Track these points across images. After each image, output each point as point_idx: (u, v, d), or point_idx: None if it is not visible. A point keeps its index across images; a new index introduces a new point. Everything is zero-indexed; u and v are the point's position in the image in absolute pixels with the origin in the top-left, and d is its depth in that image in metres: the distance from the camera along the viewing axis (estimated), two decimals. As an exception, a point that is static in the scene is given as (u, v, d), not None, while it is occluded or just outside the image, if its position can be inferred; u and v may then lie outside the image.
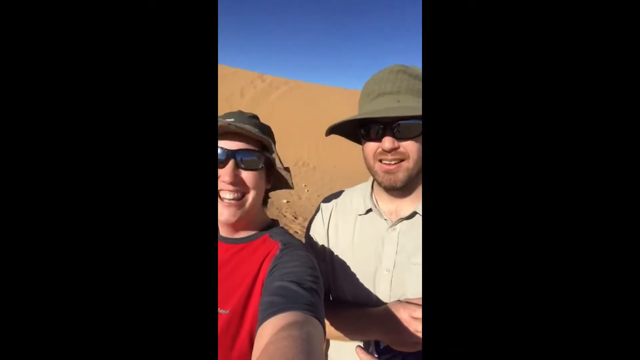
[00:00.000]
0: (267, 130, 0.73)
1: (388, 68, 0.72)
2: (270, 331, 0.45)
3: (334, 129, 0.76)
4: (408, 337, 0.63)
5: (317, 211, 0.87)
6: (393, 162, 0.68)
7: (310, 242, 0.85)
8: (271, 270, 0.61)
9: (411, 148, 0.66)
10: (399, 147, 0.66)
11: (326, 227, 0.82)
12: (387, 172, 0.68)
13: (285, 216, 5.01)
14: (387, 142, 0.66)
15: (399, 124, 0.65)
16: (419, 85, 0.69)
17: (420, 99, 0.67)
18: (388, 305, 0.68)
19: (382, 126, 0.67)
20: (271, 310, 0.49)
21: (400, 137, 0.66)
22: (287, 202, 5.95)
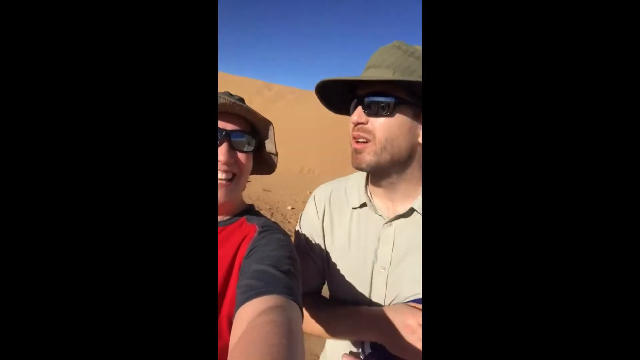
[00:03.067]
0: (254, 113, 0.74)
1: (389, 44, 0.67)
2: (250, 314, 0.45)
3: (324, 95, 0.69)
4: (400, 342, 0.61)
5: (310, 202, 0.82)
6: (360, 140, 0.65)
7: (304, 236, 0.80)
8: (249, 253, 0.61)
9: (378, 127, 0.62)
10: (366, 123, 0.63)
11: (321, 220, 0.78)
12: (355, 150, 0.66)
13: (289, 222, 5.12)
14: (355, 114, 0.64)
15: (371, 99, 0.62)
16: (412, 62, 0.62)
17: (409, 77, 0.61)
18: (384, 307, 0.67)
19: (356, 99, 0.65)
20: (250, 293, 0.49)
21: (369, 114, 0.63)
22: (292, 208, 6.06)
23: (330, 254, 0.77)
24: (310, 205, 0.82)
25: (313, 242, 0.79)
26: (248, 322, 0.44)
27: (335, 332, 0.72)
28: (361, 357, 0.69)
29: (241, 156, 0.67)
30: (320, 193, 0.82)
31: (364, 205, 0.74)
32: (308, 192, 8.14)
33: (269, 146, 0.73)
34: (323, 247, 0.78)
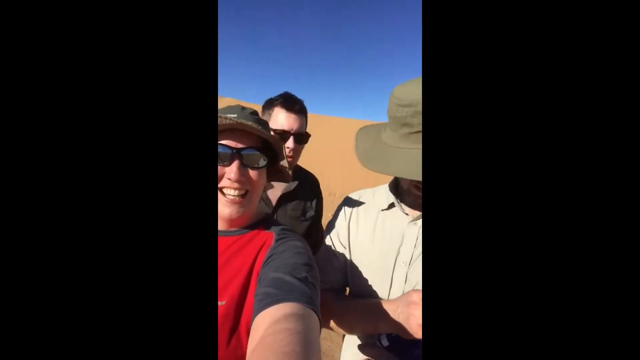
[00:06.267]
0: (266, 126, 0.73)
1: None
2: (266, 322, 0.45)
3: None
4: (414, 322, 0.63)
5: (338, 209, 0.89)
6: None
7: (329, 236, 0.86)
8: (266, 260, 0.61)
9: None
10: None
11: (347, 221, 0.85)
12: None
13: (312, 244, 5.10)
14: None
15: None
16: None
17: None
18: (391, 300, 0.69)
19: None
20: (267, 301, 0.49)
21: None
22: (315, 231, 6.04)
23: (353, 249, 0.82)
24: (339, 208, 0.90)
25: (338, 240, 0.85)
26: (264, 330, 0.44)
27: (351, 327, 0.76)
28: (379, 344, 0.71)
29: (253, 173, 0.66)
30: (350, 198, 0.91)
31: (392, 206, 0.79)
32: (329, 214, 8.14)
33: (281, 160, 0.74)
34: (347, 244, 0.83)
